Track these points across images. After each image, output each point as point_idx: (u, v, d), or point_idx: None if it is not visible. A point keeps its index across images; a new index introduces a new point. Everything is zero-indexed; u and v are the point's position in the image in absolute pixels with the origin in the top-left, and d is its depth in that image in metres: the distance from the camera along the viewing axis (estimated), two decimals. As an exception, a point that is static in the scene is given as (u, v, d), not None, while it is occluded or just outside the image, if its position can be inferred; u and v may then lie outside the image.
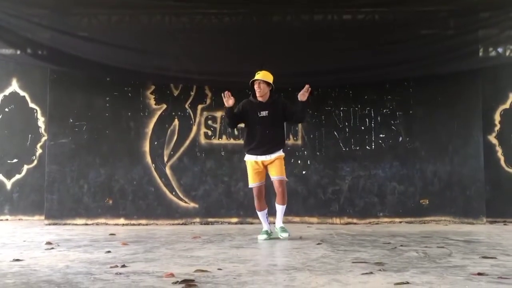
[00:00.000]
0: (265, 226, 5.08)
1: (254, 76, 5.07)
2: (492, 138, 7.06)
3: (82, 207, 6.72)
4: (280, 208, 5.06)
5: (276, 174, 4.95)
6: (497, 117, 7.10)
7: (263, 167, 5.00)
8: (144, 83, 6.84)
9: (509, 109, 7.11)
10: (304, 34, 6.66)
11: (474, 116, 6.75)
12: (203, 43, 6.48)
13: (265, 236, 4.96)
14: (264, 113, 4.96)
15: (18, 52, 6.94)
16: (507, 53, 7.10)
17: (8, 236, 5.29)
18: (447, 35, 6.67)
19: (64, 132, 6.80)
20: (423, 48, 6.52)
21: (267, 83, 4.98)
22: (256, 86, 4.96)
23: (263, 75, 4.98)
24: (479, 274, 2.97)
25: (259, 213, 5.14)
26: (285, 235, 4.94)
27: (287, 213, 6.21)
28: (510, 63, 7.15)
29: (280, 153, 5.01)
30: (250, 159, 5.03)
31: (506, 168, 7.05)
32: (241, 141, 6.68)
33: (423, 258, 3.63)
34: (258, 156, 4.97)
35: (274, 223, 5.20)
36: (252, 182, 5.02)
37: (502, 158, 7.05)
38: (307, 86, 4.91)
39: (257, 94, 4.98)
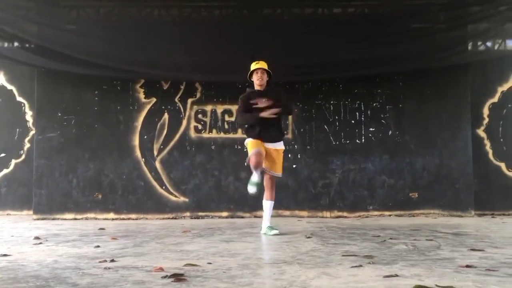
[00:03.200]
0: (257, 177, 4.67)
1: (246, 68, 5.01)
2: (481, 132, 7.12)
3: (71, 201, 6.68)
4: (270, 205, 4.87)
5: (275, 170, 4.84)
6: (485, 111, 7.16)
7: (264, 147, 4.78)
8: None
9: (497, 103, 7.17)
10: (294, 27, 6.65)
11: (463, 109, 6.80)
12: (192, 36, 6.44)
13: (255, 186, 4.65)
14: (266, 103, 4.80)
15: (6, 45, 6.89)
16: (496, 47, 7.16)
17: (-4, 231, 5.24)
18: (437, 29, 6.69)
19: (52, 126, 6.74)
20: (413, 42, 6.54)
21: (267, 72, 4.91)
22: (258, 76, 4.87)
23: (263, 64, 4.90)
24: (468, 266, 2.99)
25: (255, 170, 4.66)
26: (275, 232, 4.73)
27: (277, 207, 6.21)
28: (498, 57, 7.19)
29: (282, 146, 4.95)
30: (253, 139, 4.81)
31: (495, 162, 7.11)
32: (231, 135, 6.73)
33: (412, 251, 3.65)
34: (263, 142, 4.82)
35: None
36: (253, 147, 4.71)
37: (490, 152, 7.11)
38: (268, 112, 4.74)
39: (257, 83, 4.88)
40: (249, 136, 4.91)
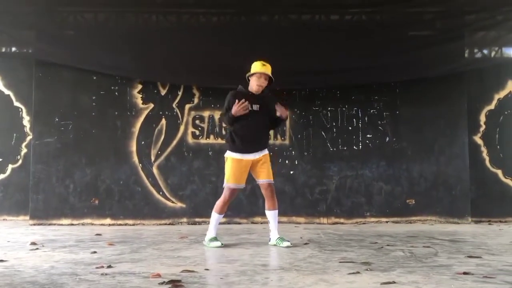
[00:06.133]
0: (214, 232, 4.48)
1: (243, 73, 4.76)
2: (478, 139, 7.14)
3: (67, 207, 6.65)
4: (275, 214, 4.47)
5: (267, 177, 4.44)
6: (482, 118, 7.18)
7: (248, 168, 4.44)
8: (131, 82, 6.78)
9: (494, 110, 7.19)
10: (292, 34, 6.67)
11: (459, 116, 6.82)
12: (190, 43, 6.46)
13: (219, 243, 4.37)
14: (256, 107, 4.42)
15: (4, 49, 6.93)
16: (492, 55, 7.20)
17: (-8, 236, 5.21)
18: (433, 37, 6.73)
19: (49, 131, 6.72)
20: (409, 50, 6.57)
21: (269, 79, 4.49)
22: (260, 81, 4.44)
23: (268, 69, 4.45)
24: (465, 273, 2.99)
25: (216, 216, 4.47)
26: (287, 244, 4.35)
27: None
28: (495, 65, 7.23)
29: (267, 152, 4.53)
30: (235, 157, 4.41)
31: (491, 169, 7.13)
32: (229, 141, 6.69)
33: (409, 258, 3.65)
34: (246, 155, 4.40)
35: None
36: (234, 182, 4.39)
37: (487, 159, 7.13)
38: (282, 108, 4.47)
39: (255, 89, 4.46)
40: (230, 148, 4.47)
